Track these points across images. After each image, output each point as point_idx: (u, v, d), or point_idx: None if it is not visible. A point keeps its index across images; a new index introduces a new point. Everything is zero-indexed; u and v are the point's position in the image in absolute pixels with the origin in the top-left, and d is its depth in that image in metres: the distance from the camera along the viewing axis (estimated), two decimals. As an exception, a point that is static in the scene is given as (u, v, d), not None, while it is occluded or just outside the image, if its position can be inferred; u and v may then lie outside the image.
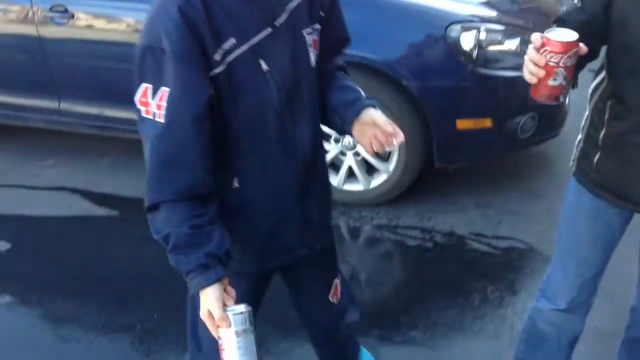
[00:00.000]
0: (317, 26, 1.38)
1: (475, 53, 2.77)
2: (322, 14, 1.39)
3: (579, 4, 1.40)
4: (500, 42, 2.80)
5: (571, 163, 1.60)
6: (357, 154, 3.07)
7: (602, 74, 1.47)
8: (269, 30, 1.28)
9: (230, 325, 1.23)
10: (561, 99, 1.27)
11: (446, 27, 2.77)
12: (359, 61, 2.76)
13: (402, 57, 2.84)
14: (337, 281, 1.67)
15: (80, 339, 2.38)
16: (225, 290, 1.26)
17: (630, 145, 1.41)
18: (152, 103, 1.21)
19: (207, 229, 1.24)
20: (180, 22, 1.18)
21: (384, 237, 2.96)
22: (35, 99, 3.48)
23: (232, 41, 1.24)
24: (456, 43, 2.77)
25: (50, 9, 3.21)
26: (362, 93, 1.44)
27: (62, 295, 2.63)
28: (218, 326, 1.24)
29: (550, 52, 1.22)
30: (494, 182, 3.31)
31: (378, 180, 3.08)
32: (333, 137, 3.07)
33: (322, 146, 1.50)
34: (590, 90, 1.51)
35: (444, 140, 2.90)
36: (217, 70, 1.24)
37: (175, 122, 1.20)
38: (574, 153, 1.59)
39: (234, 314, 1.23)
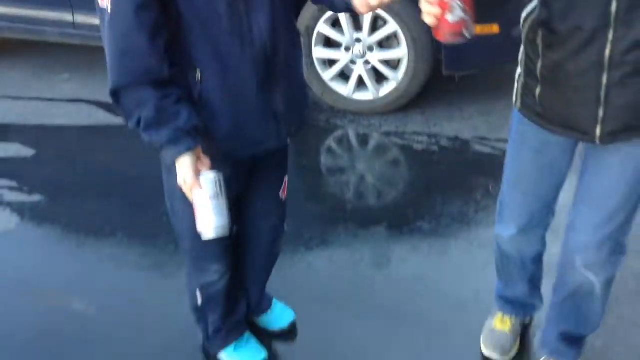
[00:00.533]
0: None
1: (484, -41, 2.80)
2: None
3: None
4: (510, -53, 2.83)
5: (514, 99, 1.54)
6: (367, 62, 3.15)
7: (533, 4, 1.38)
8: None
9: (201, 188, 1.36)
10: (466, 35, 1.19)
11: None
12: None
13: (412, -36, 2.88)
14: (286, 178, 1.71)
15: (109, 234, 2.52)
16: (199, 158, 1.36)
17: (568, 74, 1.35)
18: None
19: (173, 109, 1.31)
20: None
21: (391, 143, 3.09)
22: (50, 11, 3.54)
23: None
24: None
25: None
26: None
27: (88, 195, 2.77)
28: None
29: None
30: (499, 90, 3.40)
31: (387, 88, 3.18)
32: (344, 46, 3.15)
33: (287, 36, 1.45)
34: (521, 21, 1.42)
35: (452, 47, 2.97)
36: None
37: (119, 11, 1.25)
38: (516, 88, 1.53)
39: (206, 179, 1.36)
